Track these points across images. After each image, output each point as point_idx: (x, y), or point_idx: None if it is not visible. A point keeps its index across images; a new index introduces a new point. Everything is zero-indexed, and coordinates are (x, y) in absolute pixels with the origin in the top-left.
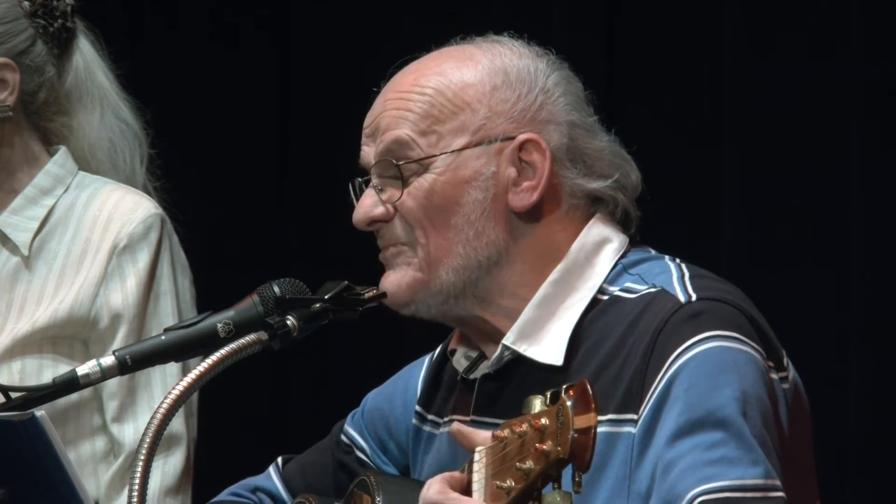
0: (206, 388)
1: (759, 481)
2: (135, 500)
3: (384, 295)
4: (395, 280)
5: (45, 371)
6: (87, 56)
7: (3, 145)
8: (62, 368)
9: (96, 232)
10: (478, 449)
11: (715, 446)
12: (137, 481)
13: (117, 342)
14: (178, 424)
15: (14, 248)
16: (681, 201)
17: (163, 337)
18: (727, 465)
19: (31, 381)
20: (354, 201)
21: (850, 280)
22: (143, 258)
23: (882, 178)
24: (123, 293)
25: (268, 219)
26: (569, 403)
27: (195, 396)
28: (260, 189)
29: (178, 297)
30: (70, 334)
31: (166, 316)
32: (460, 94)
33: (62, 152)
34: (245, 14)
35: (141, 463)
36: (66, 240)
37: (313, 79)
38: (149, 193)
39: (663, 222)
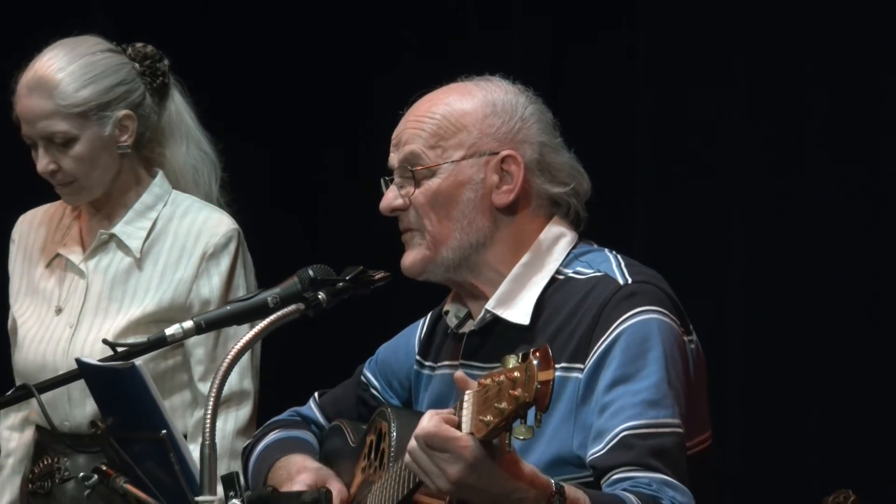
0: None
1: (668, 420)
2: (208, 425)
3: (390, 277)
4: (411, 257)
5: None
6: (177, 102)
7: (121, 173)
8: None
9: (190, 241)
10: (466, 392)
11: (640, 393)
12: (210, 414)
13: None
14: (247, 382)
15: (128, 251)
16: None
17: (228, 307)
18: (648, 407)
19: None
20: (384, 191)
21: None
22: (225, 262)
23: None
24: (210, 288)
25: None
26: (535, 362)
27: (258, 359)
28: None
29: (248, 289)
30: (170, 318)
31: None
32: (460, 119)
33: (160, 176)
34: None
35: (212, 401)
36: (167, 245)
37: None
38: (220, 206)
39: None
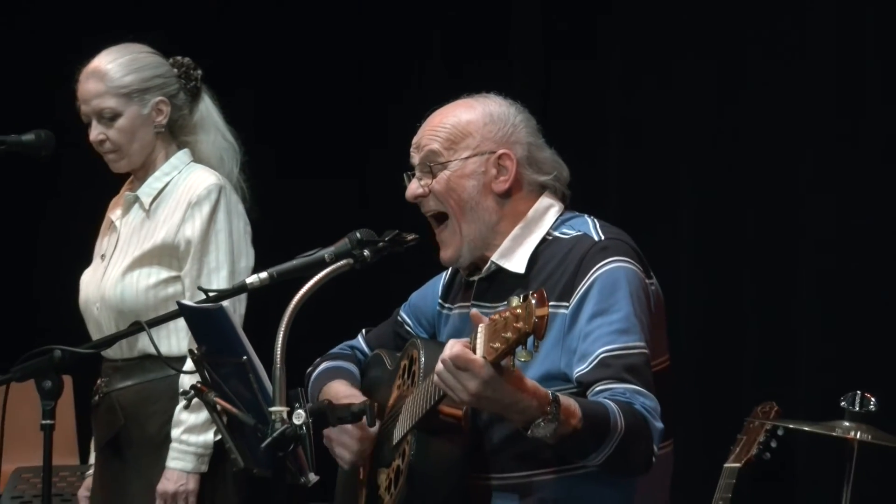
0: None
1: (637, 343)
2: (279, 352)
3: (419, 238)
4: (446, 251)
5: (151, 275)
6: (207, 103)
7: (155, 149)
8: (162, 273)
9: (183, 195)
10: (479, 326)
11: (613, 323)
12: (280, 344)
13: (190, 257)
14: None
15: (143, 206)
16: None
17: (294, 261)
18: (620, 334)
19: (143, 281)
20: (406, 184)
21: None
22: (206, 208)
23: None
24: (193, 229)
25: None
26: (533, 302)
27: None
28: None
29: (231, 232)
30: (167, 253)
31: (221, 242)
32: (466, 127)
33: (183, 152)
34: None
35: (282, 332)
36: (169, 201)
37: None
38: (242, 189)
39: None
